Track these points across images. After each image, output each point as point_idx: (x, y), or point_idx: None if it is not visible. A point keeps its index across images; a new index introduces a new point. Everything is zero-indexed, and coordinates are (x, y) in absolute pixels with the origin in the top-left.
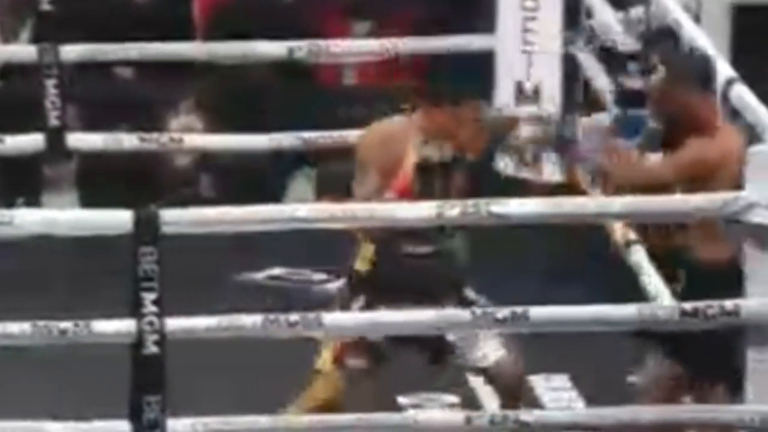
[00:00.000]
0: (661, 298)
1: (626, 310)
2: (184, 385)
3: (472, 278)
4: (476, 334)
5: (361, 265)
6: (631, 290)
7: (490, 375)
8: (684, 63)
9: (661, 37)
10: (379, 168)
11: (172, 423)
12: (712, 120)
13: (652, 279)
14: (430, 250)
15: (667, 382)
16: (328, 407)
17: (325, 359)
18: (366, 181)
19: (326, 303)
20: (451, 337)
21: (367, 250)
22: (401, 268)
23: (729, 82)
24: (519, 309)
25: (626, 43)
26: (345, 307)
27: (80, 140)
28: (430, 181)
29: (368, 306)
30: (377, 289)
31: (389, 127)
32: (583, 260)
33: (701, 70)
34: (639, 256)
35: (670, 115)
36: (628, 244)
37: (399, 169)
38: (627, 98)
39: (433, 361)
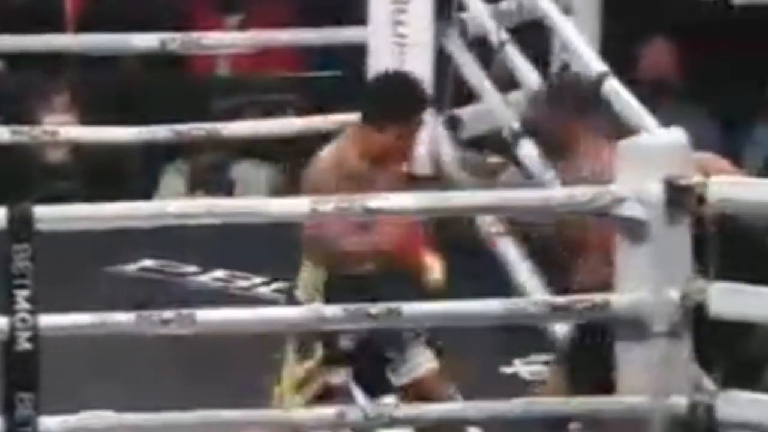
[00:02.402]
0: (534, 292)
1: (497, 305)
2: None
3: None
4: (410, 347)
5: (312, 292)
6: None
7: (415, 388)
8: (565, 87)
9: (532, 29)
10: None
11: (44, 420)
12: (574, 144)
13: (523, 273)
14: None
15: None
16: None
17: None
18: None
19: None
20: (390, 353)
21: (316, 276)
22: (348, 291)
23: (601, 77)
24: (392, 305)
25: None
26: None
27: None
28: None
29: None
30: None
31: (335, 151)
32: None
33: (580, 95)
34: (508, 249)
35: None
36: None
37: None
38: None
39: (371, 372)
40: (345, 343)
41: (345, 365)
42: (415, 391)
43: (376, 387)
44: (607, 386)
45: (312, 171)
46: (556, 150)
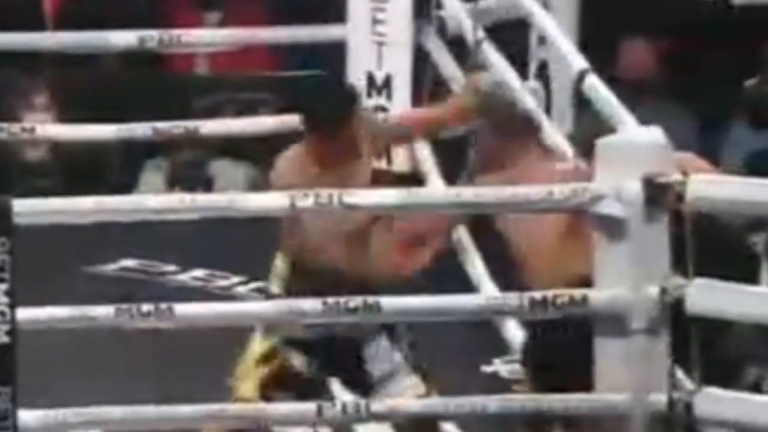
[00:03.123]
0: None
1: (476, 300)
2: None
3: None
4: (397, 370)
5: (274, 287)
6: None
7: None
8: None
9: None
10: None
11: (23, 414)
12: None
13: (477, 268)
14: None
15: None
16: None
17: (248, 385)
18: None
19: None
20: (375, 372)
21: (281, 269)
22: (312, 285)
23: (581, 74)
24: (370, 299)
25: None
26: None
27: None
28: None
29: None
30: None
31: (290, 160)
32: None
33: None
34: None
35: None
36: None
37: None
38: None
39: (360, 393)
40: (306, 332)
41: (304, 352)
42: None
43: (351, 385)
44: (574, 382)
45: (273, 171)
46: (488, 165)
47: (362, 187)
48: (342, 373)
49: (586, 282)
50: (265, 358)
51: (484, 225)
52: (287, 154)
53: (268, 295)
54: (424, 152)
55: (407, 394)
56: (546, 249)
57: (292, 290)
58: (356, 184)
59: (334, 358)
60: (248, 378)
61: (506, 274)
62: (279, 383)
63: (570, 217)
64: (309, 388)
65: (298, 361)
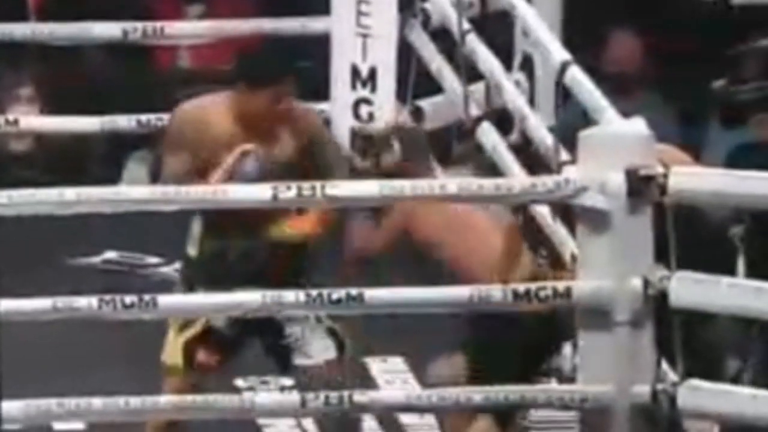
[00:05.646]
0: None
1: (460, 292)
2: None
3: (316, 268)
4: (312, 333)
5: (191, 249)
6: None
7: (309, 374)
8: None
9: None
10: (191, 150)
11: (5, 405)
12: None
13: None
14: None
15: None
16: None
17: (171, 352)
18: (176, 162)
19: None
20: (288, 330)
21: (196, 231)
22: (227, 255)
23: (563, 66)
24: (354, 291)
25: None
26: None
27: None
28: None
29: (191, 291)
30: (203, 274)
31: (202, 109)
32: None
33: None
34: None
35: None
36: None
37: (212, 155)
38: None
39: (271, 353)
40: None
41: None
42: (310, 377)
43: (268, 346)
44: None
45: (176, 116)
46: None
47: (278, 155)
48: (259, 335)
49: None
50: (187, 323)
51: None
52: (198, 103)
53: (185, 257)
54: None
55: (319, 358)
56: (490, 263)
57: (205, 250)
58: (271, 150)
59: (252, 319)
60: (172, 345)
61: None
62: (203, 342)
63: (507, 230)
64: (231, 347)
65: (221, 322)
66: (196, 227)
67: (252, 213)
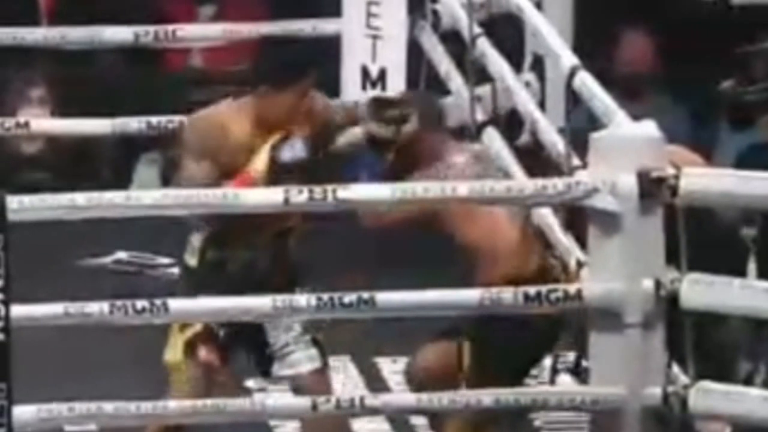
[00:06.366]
0: None
1: (471, 295)
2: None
3: (310, 276)
4: (296, 342)
5: (190, 259)
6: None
7: (294, 385)
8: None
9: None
10: (210, 157)
11: (17, 410)
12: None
13: None
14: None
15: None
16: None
17: (173, 351)
18: (195, 168)
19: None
20: (275, 342)
21: (197, 240)
22: (227, 265)
23: (572, 70)
24: (365, 294)
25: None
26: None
27: None
28: (285, 182)
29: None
30: (203, 284)
31: (219, 115)
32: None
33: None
34: None
35: (416, 157)
36: None
37: (233, 160)
38: None
39: (254, 358)
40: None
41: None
42: (296, 386)
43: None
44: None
45: (194, 121)
46: (410, 161)
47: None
48: (245, 341)
49: (542, 274)
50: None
51: (432, 226)
52: (214, 110)
53: (184, 267)
54: None
55: (303, 367)
56: (506, 247)
57: (205, 260)
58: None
59: (239, 325)
60: (174, 344)
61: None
62: (203, 340)
63: (523, 216)
64: (226, 348)
65: (215, 324)
66: (196, 237)
67: (258, 220)
